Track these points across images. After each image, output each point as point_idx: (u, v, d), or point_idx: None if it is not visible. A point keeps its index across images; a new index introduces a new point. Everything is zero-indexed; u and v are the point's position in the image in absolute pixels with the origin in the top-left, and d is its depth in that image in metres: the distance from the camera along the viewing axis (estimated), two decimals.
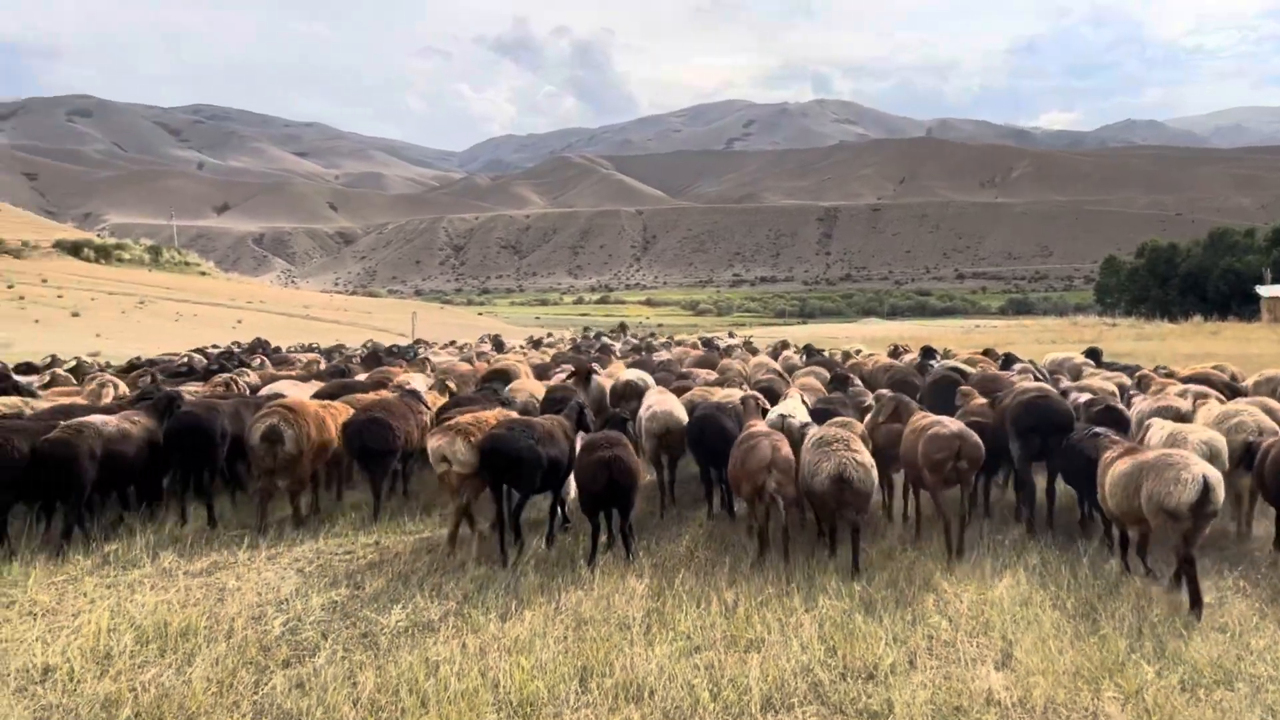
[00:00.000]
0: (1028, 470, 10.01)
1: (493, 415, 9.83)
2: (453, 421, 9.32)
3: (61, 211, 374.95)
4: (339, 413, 11.02)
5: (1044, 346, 30.88)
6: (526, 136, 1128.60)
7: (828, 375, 15.81)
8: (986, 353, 19.67)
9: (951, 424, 9.18)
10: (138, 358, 23.01)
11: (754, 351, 25.56)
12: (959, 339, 40.74)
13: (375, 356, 22.30)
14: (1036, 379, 13.91)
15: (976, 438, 8.96)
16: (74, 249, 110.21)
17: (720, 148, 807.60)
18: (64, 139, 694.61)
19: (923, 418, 9.77)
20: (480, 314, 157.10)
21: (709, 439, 10.30)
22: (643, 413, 11.66)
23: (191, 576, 8.27)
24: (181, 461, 10.46)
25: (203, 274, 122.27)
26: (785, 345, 27.69)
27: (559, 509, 9.78)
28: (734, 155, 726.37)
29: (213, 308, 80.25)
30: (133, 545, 9.04)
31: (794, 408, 10.84)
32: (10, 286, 75.19)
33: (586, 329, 59.70)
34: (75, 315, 64.86)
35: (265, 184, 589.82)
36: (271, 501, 10.20)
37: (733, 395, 11.87)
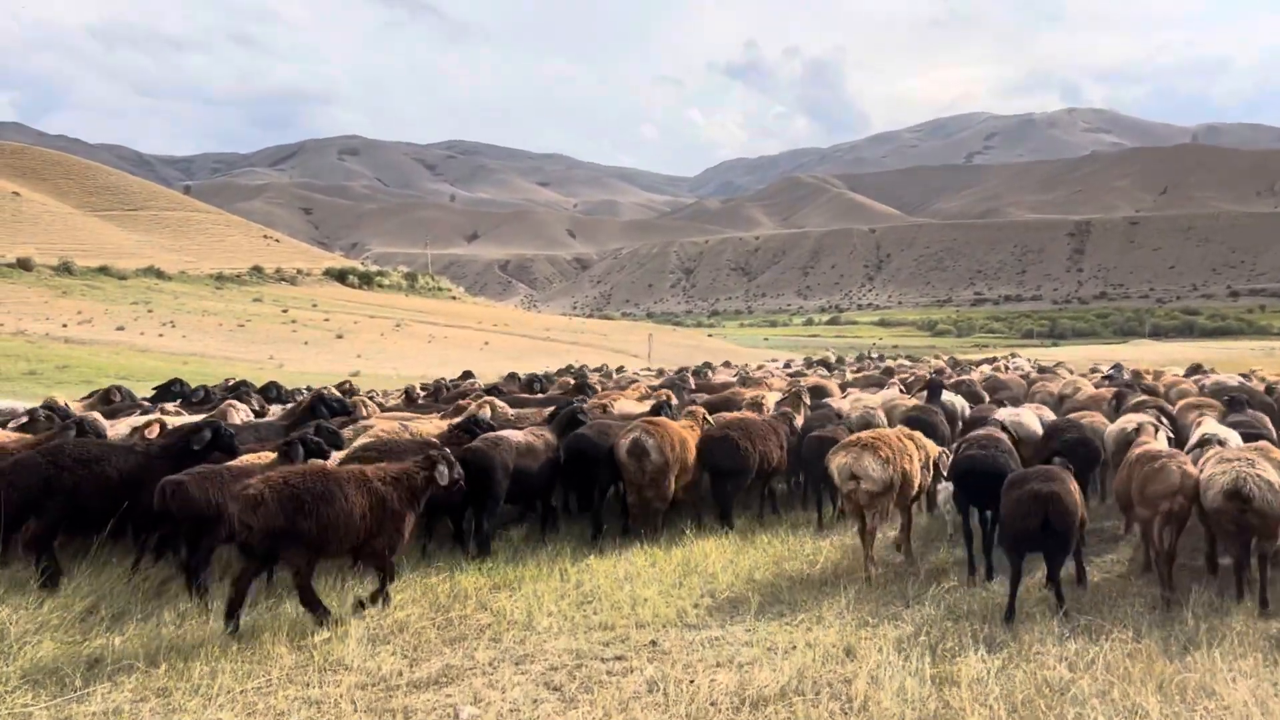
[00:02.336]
0: None
1: (893, 434, 9.93)
2: (856, 438, 9.41)
3: (332, 242, 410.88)
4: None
5: None
6: (757, 159, 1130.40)
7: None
8: None
9: None
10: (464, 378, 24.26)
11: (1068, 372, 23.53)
12: (1266, 361, 36.15)
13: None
14: None
15: None
16: (340, 276, 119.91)
17: (959, 162, 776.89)
18: (335, 176, 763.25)
19: None
20: (709, 335, 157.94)
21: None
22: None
23: (414, 690, 6.33)
24: (573, 482, 11.39)
25: (453, 299, 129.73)
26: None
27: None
28: (974, 169, 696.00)
29: (462, 330, 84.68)
30: (344, 636, 7.06)
31: (1214, 428, 10.25)
32: (284, 310, 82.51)
33: (863, 353, 57.83)
34: (339, 337, 70.10)
35: (510, 213, 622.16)
36: (643, 518, 10.67)
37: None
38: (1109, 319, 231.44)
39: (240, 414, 12.54)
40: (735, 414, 12.72)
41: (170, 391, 16.84)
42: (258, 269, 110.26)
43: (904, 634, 7.16)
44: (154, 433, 10.05)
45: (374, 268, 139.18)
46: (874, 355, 44.15)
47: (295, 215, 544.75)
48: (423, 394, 17.93)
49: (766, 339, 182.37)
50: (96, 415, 11.26)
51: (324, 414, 11.77)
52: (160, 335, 62.96)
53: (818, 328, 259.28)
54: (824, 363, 30.13)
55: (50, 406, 11.92)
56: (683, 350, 72.67)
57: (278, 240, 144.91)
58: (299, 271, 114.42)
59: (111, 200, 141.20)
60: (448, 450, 8.36)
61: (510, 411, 13.50)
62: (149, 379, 42.12)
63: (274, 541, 7.00)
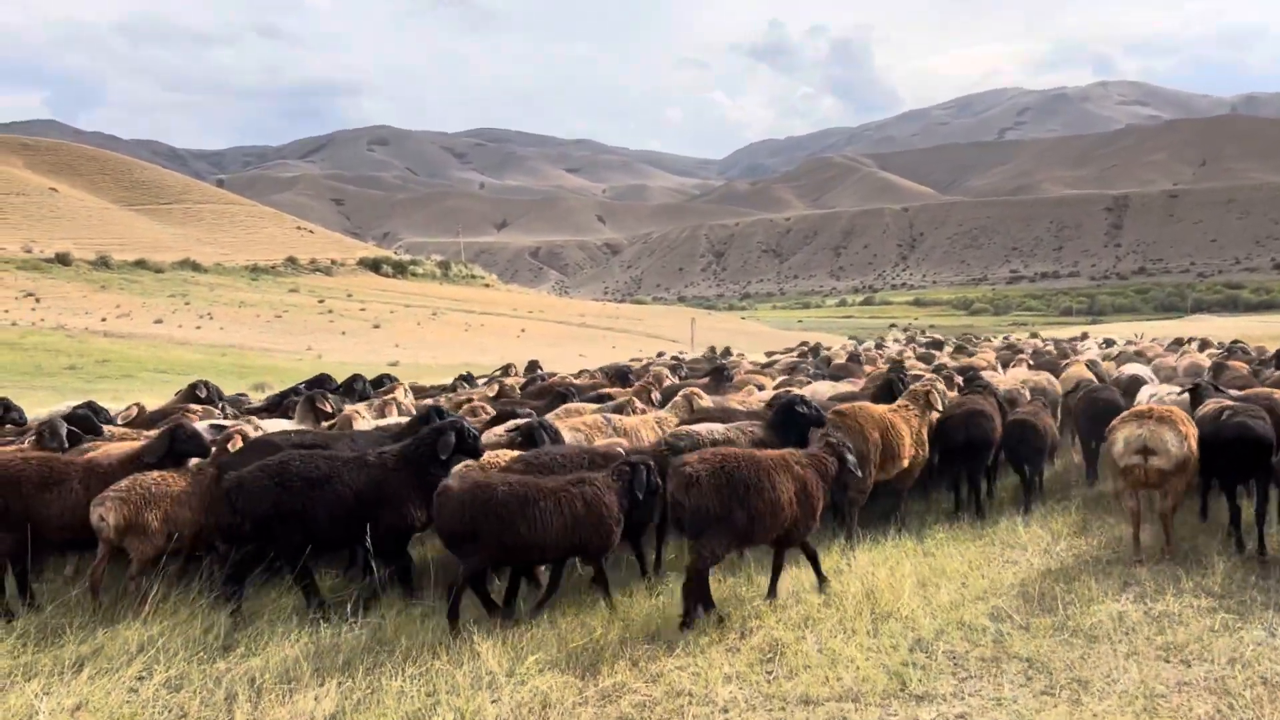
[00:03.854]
0: None
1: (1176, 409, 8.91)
2: (1147, 408, 8.51)
3: (364, 232, 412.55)
4: None
5: None
6: (784, 140, 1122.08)
7: None
8: None
9: None
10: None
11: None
12: None
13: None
14: None
15: None
16: (374, 265, 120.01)
17: (991, 139, 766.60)
18: (365, 166, 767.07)
19: None
20: (743, 319, 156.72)
21: None
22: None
23: None
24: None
25: (486, 286, 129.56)
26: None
27: None
28: (1006, 145, 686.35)
29: (498, 318, 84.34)
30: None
31: None
32: (320, 301, 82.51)
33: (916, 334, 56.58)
34: (376, 327, 69.96)
35: (539, 200, 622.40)
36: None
37: None
38: (1149, 295, 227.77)
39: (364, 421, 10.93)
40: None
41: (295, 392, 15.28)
42: (292, 260, 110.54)
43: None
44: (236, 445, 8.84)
45: (407, 257, 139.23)
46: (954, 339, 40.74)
47: (327, 206, 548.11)
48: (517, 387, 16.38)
49: (800, 321, 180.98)
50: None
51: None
52: (198, 328, 63.08)
53: (851, 309, 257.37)
54: (961, 347, 28.50)
55: (92, 408, 11.10)
56: (721, 334, 71.77)
57: (311, 231, 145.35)
58: (333, 262, 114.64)
59: (146, 195, 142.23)
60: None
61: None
62: (188, 372, 41.94)
63: (702, 525, 6.72)
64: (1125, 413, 8.77)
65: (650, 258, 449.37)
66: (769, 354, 31.35)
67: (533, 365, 20.28)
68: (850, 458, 7.55)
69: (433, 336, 66.60)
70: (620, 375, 15.94)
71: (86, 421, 9.84)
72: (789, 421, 9.05)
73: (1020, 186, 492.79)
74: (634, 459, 7.25)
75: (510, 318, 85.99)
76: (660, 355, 32.65)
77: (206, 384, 14.32)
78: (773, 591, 7.25)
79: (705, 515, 6.68)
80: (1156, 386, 12.64)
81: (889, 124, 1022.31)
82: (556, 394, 12.85)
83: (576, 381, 15.91)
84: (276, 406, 13.57)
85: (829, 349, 30.37)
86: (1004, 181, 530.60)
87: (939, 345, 30.28)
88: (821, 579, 7.37)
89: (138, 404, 13.52)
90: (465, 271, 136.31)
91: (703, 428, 8.99)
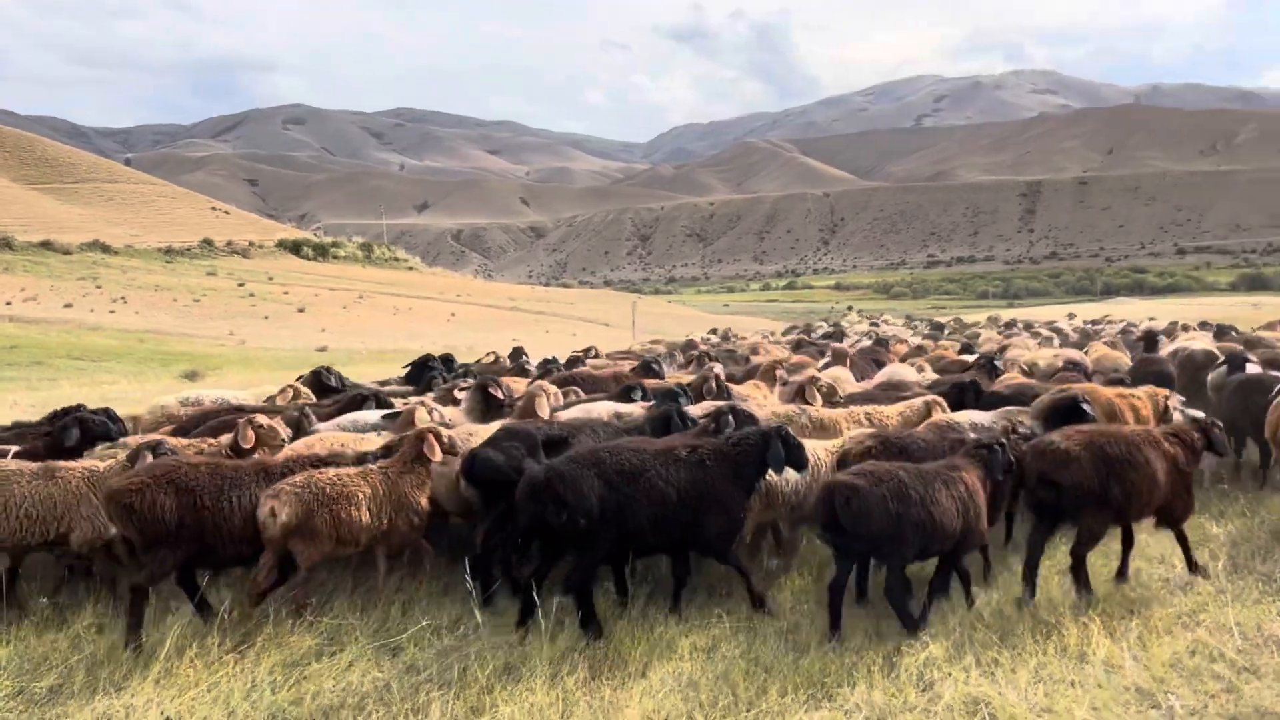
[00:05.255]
0: None
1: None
2: None
3: (280, 214, 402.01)
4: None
5: None
6: (708, 124, 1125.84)
7: None
8: None
9: None
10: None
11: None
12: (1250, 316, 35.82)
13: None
14: None
15: None
16: (295, 248, 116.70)
17: (909, 125, 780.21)
18: (280, 146, 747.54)
19: None
20: (670, 302, 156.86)
21: None
22: None
23: None
24: None
25: (411, 269, 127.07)
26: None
27: None
28: (924, 132, 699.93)
29: (425, 301, 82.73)
30: None
31: None
32: (240, 284, 79.93)
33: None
34: (301, 311, 67.98)
35: (461, 182, 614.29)
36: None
37: None
38: (1061, 278, 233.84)
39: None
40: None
41: (428, 367, 14.25)
42: (208, 242, 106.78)
43: None
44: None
45: (329, 239, 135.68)
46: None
47: (240, 187, 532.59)
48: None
49: (726, 305, 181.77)
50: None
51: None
52: (111, 312, 60.49)
53: (775, 293, 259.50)
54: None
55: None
56: (653, 318, 71.54)
57: (227, 213, 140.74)
58: (251, 244, 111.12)
59: (50, 173, 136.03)
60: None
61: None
62: (103, 359, 40.15)
63: (1080, 503, 6.62)
64: None
65: (575, 241, 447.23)
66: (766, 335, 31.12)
67: (517, 352, 18.43)
68: (1217, 433, 7.46)
69: (360, 321, 65.01)
70: (645, 366, 14.02)
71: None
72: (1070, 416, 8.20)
73: (938, 173, 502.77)
74: (988, 440, 6.99)
75: (439, 301, 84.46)
76: (657, 342, 31.29)
77: (329, 370, 13.43)
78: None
79: (1083, 493, 6.61)
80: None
81: (811, 109, 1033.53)
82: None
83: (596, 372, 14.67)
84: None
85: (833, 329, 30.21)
86: (922, 167, 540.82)
87: (940, 328, 30.17)
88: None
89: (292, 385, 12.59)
90: (388, 254, 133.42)
91: (962, 416, 8.46)
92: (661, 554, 6.98)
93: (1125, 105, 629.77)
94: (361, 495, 6.65)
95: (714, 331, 33.11)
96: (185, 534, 6.31)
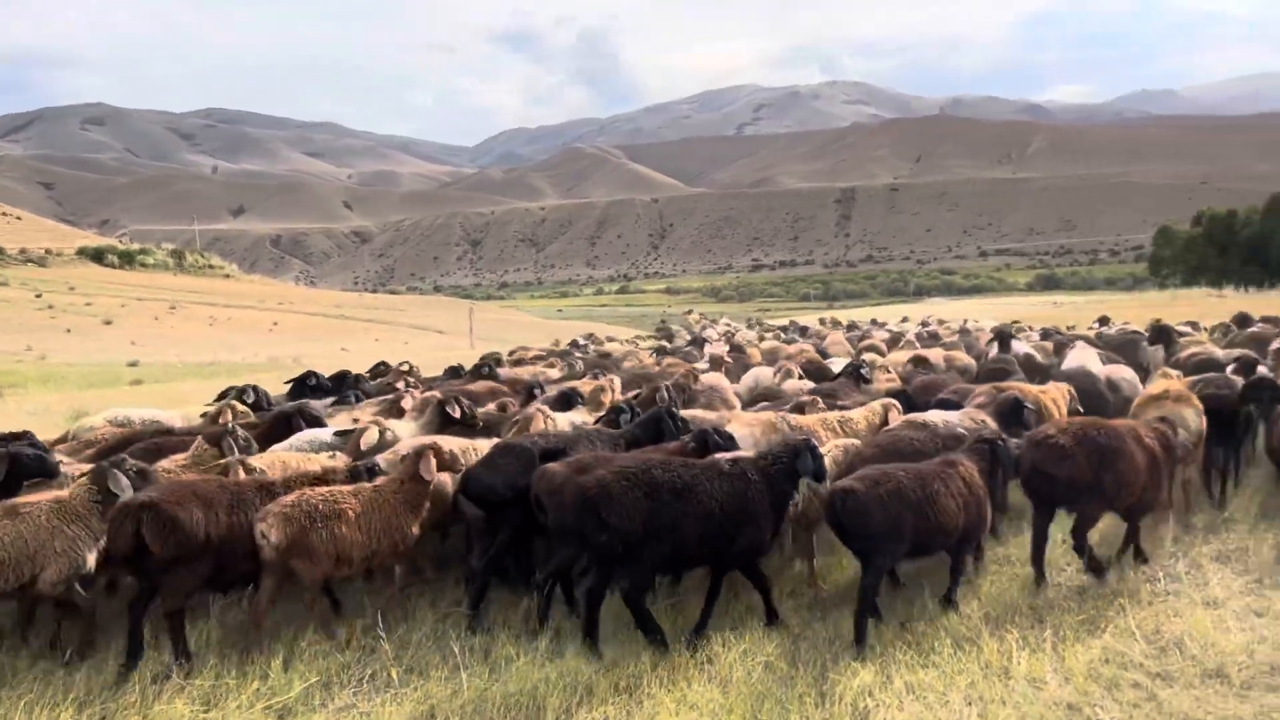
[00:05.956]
0: None
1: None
2: None
3: (79, 220, 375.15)
4: None
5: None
6: (537, 129, 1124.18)
7: None
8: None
9: None
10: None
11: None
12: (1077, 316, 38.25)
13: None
14: None
15: None
16: (97, 256, 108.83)
17: (732, 133, 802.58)
18: (79, 147, 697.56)
19: None
20: (503, 308, 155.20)
21: None
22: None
23: None
24: None
25: (227, 276, 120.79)
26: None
27: None
28: (746, 140, 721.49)
29: (244, 311, 78.57)
30: None
31: None
32: (38, 295, 73.74)
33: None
34: (107, 323, 63.27)
35: (279, 185, 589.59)
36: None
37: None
38: (877, 280, 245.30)
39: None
40: None
41: (307, 386, 13.62)
42: None
43: None
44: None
45: (135, 246, 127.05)
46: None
47: (34, 191, 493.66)
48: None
49: (560, 310, 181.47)
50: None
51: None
52: None
53: (607, 297, 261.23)
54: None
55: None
56: (490, 325, 70.35)
57: (19, 218, 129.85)
58: (48, 252, 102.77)
59: None
60: None
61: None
62: None
63: (1075, 494, 6.99)
64: None
65: (403, 246, 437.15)
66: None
67: (484, 365, 16.49)
68: (1181, 432, 8.08)
69: (174, 332, 60.97)
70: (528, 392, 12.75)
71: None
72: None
73: (760, 180, 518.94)
74: (988, 436, 7.32)
75: (259, 310, 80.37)
76: (587, 341, 29.94)
77: (255, 388, 12.53)
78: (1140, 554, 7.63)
79: (1076, 485, 6.97)
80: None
81: (638, 115, 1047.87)
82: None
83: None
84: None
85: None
86: (745, 175, 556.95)
87: (803, 330, 30.11)
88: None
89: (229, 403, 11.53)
90: (202, 261, 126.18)
91: (935, 416, 8.66)
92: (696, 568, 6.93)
93: (931, 116, 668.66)
94: (353, 513, 6.48)
95: (589, 336, 32.65)
96: (209, 551, 6.19)
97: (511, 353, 22.55)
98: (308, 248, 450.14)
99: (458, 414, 9.19)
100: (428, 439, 7.88)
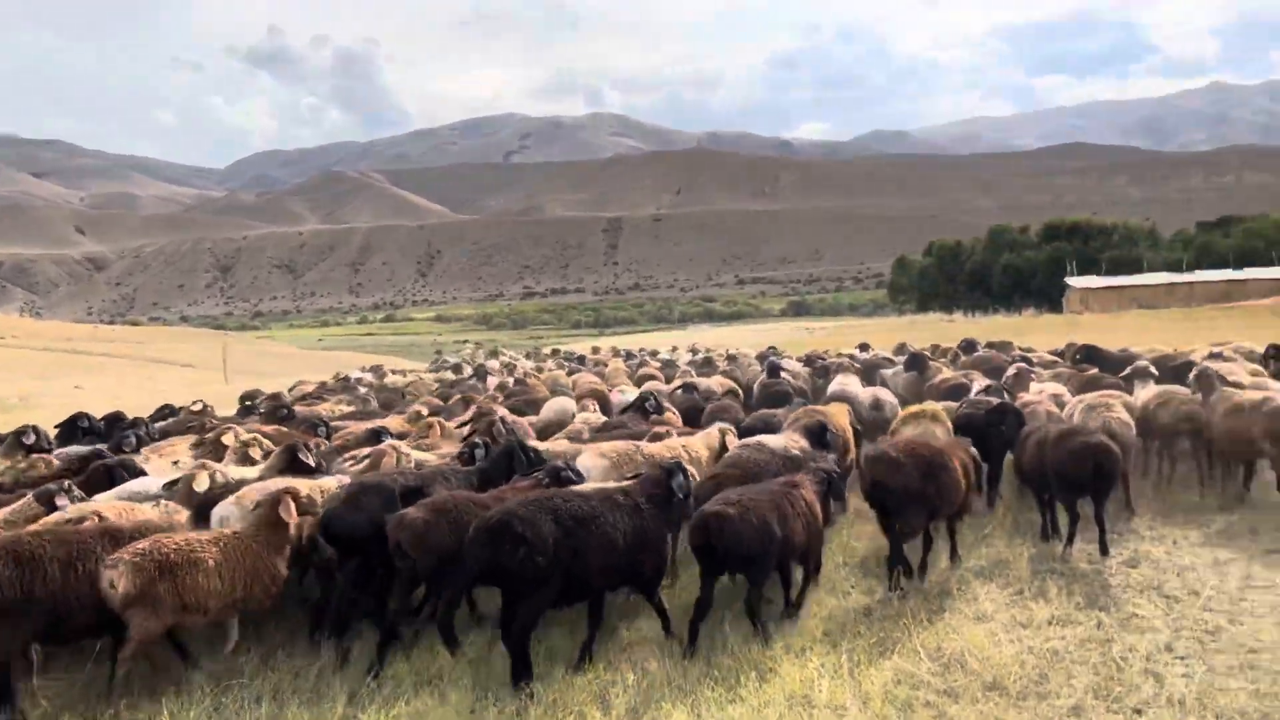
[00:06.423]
0: None
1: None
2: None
3: None
4: None
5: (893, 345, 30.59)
6: (293, 151, 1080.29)
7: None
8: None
9: None
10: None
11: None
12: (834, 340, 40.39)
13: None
14: None
15: None
16: None
17: (499, 160, 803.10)
18: None
19: None
20: (258, 339, 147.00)
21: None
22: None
23: None
24: None
25: None
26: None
27: None
28: (514, 168, 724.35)
29: None
30: None
31: None
32: None
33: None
34: None
35: (1, 208, 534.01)
36: None
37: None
38: (644, 308, 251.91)
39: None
40: None
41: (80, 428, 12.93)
42: None
43: None
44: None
45: None
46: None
47: None
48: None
49: (321, 340, 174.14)
50: None
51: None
52: None
53: (373, 326, 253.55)
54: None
55: None
56: (248, 358, 66.14)
57: None
58: None
59: None
60: None
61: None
62: None
63: (906, 503, 7.59)
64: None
65: (144, 273, 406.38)
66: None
67: (280, 406, 15.47)
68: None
69: None
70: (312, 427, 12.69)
71: None
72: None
73: (528, 208, 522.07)
74: (827, 467, 7.83)
75: None
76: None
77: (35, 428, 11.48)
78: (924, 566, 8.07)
79: (909, 494, 7.56)
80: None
81: (402, 140, 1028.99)
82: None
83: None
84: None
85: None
86: (514, 202, 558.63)
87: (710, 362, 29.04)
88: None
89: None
90: None
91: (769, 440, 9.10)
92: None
93: (690, 150, 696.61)
94: (212, 561, 6.23)
95: (375, 368, 31.15)
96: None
97: (291, 388, 21.63)
98: (33, 276, 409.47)
99: (311, 461, 8.81)
100: (281, 482, 7.60)
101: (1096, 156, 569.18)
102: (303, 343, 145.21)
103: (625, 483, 7.12)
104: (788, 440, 9.02)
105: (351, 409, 15.67)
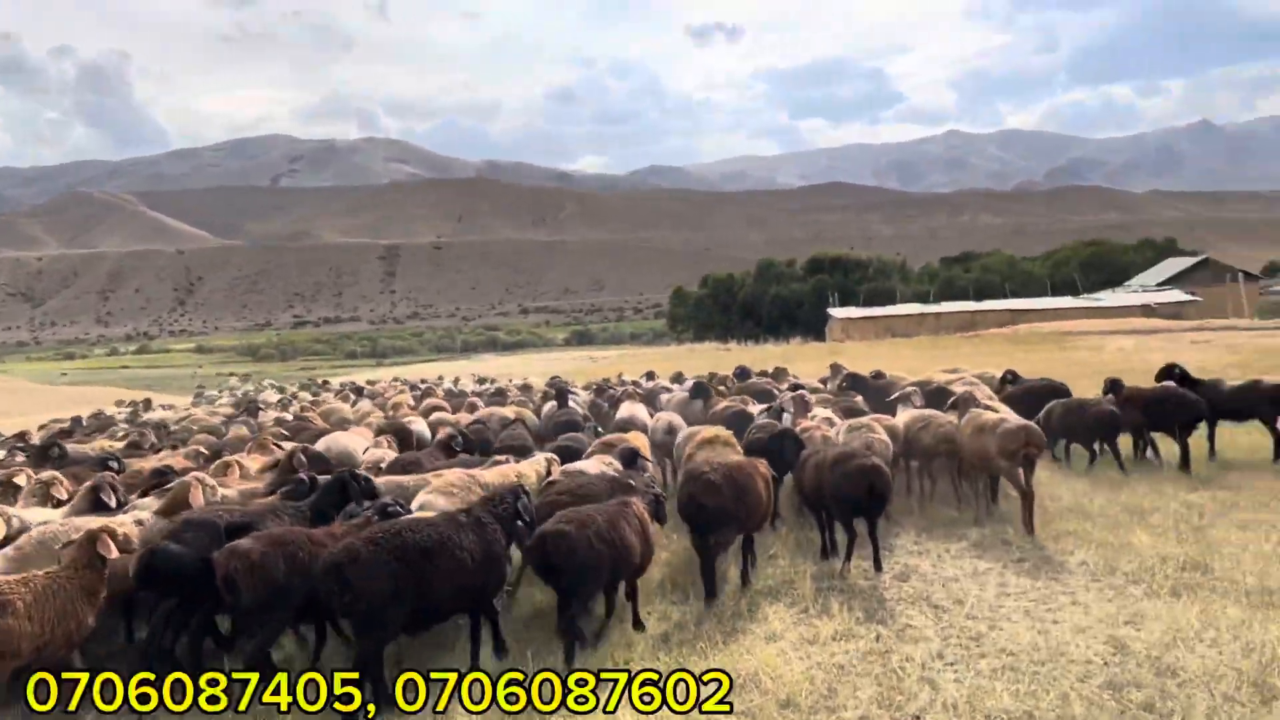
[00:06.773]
0: None
1: None
2: None
3: None
4: None
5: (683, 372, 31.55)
6: (30, 169, 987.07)
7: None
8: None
9: None
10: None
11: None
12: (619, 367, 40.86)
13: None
14: None
15: None
16: None
17: (266, 184, 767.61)
18: None
19: None
20: None
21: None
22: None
23: None
24: None
25: None
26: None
27: None
28: (282, 192, 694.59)
29: None
30: None
31: None
32: None
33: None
34: None
35: None
36: None
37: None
38: (425, 337, 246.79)
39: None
40: None
41: None
42: None
43: None
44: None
45: None
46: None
47: None
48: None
49: (64, 374, 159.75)
50: None
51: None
52: None
53: (126, 358, 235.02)
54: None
55: None
56: (27, 401, 59.51)
57: None
58: None
59: None
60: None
61: None
62: None
63: (720, 521, 8.09)
64: None
65: None
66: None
67: (53, 445, 13.97)
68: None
69: None
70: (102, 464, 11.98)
71: None
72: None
73: (298, 233, 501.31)
74: (656, 490, 8.50)
75: None
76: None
77: None
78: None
79: (723, 512, 8.08)
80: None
81: (159, 160, 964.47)
82: None
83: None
84: None
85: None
86: (282, 227, 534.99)
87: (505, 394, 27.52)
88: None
89: None
90: None
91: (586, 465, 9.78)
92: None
93: (470, 178, 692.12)
94: (21, 604, 5.92)
95: (144, 402, 28.80)
96: None
97: (41, 427, 19.91)
98: None
99: (113, 502, 8.57)
100: (96, 521, 7.26)
101: (853, 196, 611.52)
102: (42, 376, 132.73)
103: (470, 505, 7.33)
104: (600, 464, 9.58)
105: (120, 446, 14.64)
